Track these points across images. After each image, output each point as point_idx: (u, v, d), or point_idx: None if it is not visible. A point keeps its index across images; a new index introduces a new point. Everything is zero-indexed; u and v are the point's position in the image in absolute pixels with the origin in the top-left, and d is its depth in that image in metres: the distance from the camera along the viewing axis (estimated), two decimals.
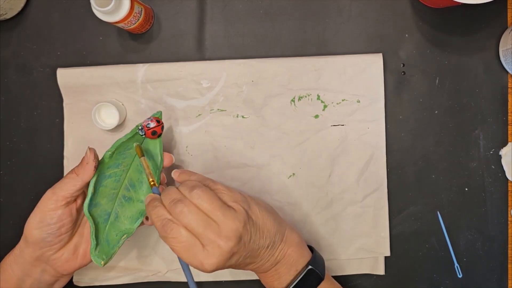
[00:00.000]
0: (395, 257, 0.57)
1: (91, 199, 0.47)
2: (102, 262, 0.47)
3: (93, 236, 0.47)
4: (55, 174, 0.57)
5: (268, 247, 0.45)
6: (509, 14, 0.57)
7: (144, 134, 0.49)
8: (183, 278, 0.57)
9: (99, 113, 0.55)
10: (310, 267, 0.46)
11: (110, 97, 0.56)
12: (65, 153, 0.57)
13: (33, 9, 0.58)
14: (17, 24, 0.58)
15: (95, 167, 0.46)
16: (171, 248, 0.42)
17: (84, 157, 0.47)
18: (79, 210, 0.49)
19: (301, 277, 0.46)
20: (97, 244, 0.47)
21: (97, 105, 0.54)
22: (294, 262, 0.47)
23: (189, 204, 0.42)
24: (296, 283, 0.46)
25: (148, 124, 0.49)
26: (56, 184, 0.47)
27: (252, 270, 0.47)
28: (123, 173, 0.50)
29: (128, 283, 0.57)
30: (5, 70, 0.58)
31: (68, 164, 0.57)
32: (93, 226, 0.47)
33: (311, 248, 0.50)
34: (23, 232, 0.47)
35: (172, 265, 0.57)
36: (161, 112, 0.51)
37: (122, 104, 0.56)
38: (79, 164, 0.47)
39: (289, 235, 0.47)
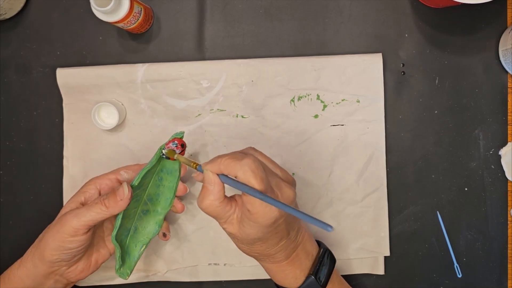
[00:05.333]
0: (395, 257, 0.57)
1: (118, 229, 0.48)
2: (127, 277, 0.50)
3: (119, 259, 0.49)
4: (55, 174, 0.57)
5: (295, 229, 0.45)
6: (509, 14, 0.57)
7: (168, 159, 0.49)
8: (183, 278, 0.57)
9: (99, 113, 0.55)
10: (327, 249, 0.48)
11: (109, 97, 0.56)
12: (65, 153, 0.57)
13: (33, 9, 0.58)
14: (17, 24, 0.58)
15: (128, 204, 0.46)
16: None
17: (119, 191, 0.45)
18: (96, 227, 0.50)
19: (322, 259, 0.47)
20: (122, 264, 0.50)
21: (97, 105, 0.54)
22: (310, 247, 0.47)
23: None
24: (318, 266, 0.46)
25: (174, 150, 0.48)
26: (80, 210, 0.46)
27: (275, 255, 0.45)
28: (143, 192, 0.50)
29: (128, 283, 0.57)
30: (5, 70, 0.58)
31: (68, 164, 0.57)
32: (119, 251, 0.49)
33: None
34: (39, 250, 0.46)
35: (172, 265, 0.57)
36: (183, 132, 0.50)
37: (122, 104, 0.56)
38: (110, 196, 0.45)
39: (303, 222, 0.48)
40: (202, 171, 0.42)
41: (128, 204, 0.46)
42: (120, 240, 0.50)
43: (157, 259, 0.57)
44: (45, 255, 0.46)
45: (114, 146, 0.57)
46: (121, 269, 0.50)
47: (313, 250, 0.48)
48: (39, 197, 0.58)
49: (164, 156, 0.48)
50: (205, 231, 0.57)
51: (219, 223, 0.43)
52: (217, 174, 0.41)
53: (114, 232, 0.48)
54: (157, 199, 0.51)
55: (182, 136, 0.49)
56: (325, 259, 0.47)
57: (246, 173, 0.39)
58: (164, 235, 0.52)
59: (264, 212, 0.39)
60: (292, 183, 0.44)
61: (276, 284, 0.48)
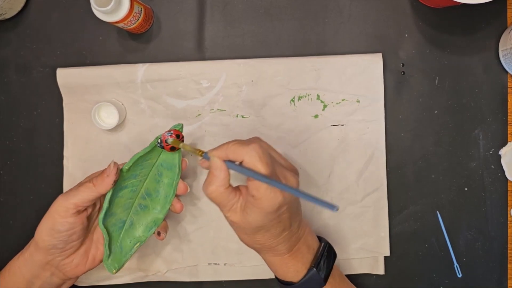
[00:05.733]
0: (395, 257, 0.57)
1: (106, 212, 0.48)
2: (114, 271, 0.49)
3: (107, 247, 0.48)
4: (55, 174, 0.57)
5: (297, 222, 0.46)
6: (509, 14, 0.57)
7: (162, 148, 0.49)
8: (183, 278, 0.57)
9: (99, 113, 0.55)
10: (328, 243, 0.48)
11: (109, 97, 0.56)
12: (65, 153, 0.57)
13: (33, 9, 0.58)
14: (17, 24, 0.58)
15: (114, 181, 0.46)
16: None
17: (106, 169, 0.46)
18: (90, 218, 0.49)
19: (324, 252, 0.47)
20: (110, 254, 0.49)
21: (96, 105, 0.54)
22: (311, 241, 0.48)
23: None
24: (320, 259, 0.46)
25: (167, 139, 0.48)
26: (69, 190, 0.46)
27: (277, 247, 0.45)
28: (140, 183, 0.50)
29: (128, 283, 0.57)
30: (5, 70, 0.58)
31: (68, 164, 0.57)
32: (107, 238, 0.48)
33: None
34: (34, 236, 0.47)
35: (172, 265, 0.57)
36: (182, 124, 0.50)
37: (122, 104, 0.56)
38: (98, 175, 0.46)
39: (303, 217, 0.48)
40: (208, 159, 0.43)
41: (115, 182, 0.46)
42: (113, 231, 0.49)
43: (157, 258, 0.57)
44: (38, 240, 0.46)
45: (114, 146, 0.57)
46: (109, 260, 0.49)
47: (314, 244, 0.48)
48: (39, 197, 0.58)
49: (158, 145, 0.48)
50: (205, 231, 0.57)
51: (223, 211, 0.44)
52: (223, 161, 0.42)
53: (101, 215, 0.47)
54: (156, 196, 0.51)
55: (180, 128, 0.50)
56: (326, 253, 0.48)
57: (252, 157, 0.40)
58: (159, 233, 0.51)
59: (269, 197, 0.40)
60: (295, 172, 0.45)
61: (277, 279, 0.48)
